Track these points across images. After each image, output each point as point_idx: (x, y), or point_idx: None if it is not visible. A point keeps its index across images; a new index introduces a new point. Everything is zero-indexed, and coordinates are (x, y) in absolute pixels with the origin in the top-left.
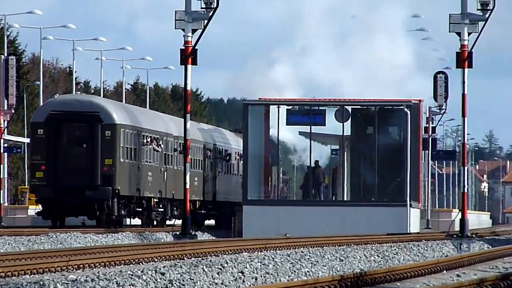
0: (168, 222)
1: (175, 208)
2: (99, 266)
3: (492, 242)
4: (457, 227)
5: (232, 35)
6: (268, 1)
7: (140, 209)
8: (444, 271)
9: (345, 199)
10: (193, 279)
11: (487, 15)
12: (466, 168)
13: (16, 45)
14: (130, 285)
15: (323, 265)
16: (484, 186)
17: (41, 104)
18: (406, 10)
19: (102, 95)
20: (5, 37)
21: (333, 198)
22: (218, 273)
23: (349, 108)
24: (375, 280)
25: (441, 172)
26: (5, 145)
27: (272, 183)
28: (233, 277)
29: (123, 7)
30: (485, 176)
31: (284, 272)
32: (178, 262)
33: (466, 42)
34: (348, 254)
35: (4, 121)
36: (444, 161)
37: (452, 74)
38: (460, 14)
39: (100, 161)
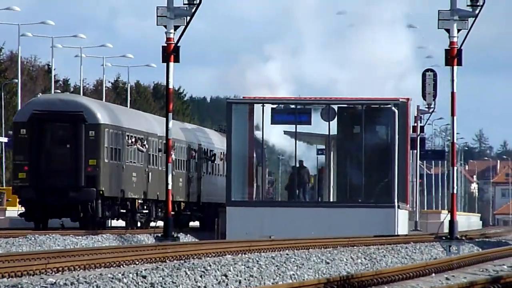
0: (152, 224)
1: (159, 210)
2: (78, 269)
3: (482, 245)
4: (446, 229)
5: (215, 31)
6: None
7: (125, 211)
8: (433, 274)
9: (331, 200)
10: (175, 282)
11: (477, 11)
12: (455, 168)
13: None
14: None
15: (308, 268)
16: (474, 187)
17: (19, 102)
18: (401, 4)
19: (82, 93)
20: None
21: (319, 199)
22: (201, 276)
23: (335, 107)
24: (362, 283)
25: (429, 173)
26: None
27: (257, 184)
28: (217, 280)
29: (103, 3)
30: (475, 176)
31: (269, 275)
32: (160, 265)
33: (455, 39)
34: (334, 257)
35: None
36: (433, 161)
37: (441, 72)
38: (449, 10)
39: (84, 162)
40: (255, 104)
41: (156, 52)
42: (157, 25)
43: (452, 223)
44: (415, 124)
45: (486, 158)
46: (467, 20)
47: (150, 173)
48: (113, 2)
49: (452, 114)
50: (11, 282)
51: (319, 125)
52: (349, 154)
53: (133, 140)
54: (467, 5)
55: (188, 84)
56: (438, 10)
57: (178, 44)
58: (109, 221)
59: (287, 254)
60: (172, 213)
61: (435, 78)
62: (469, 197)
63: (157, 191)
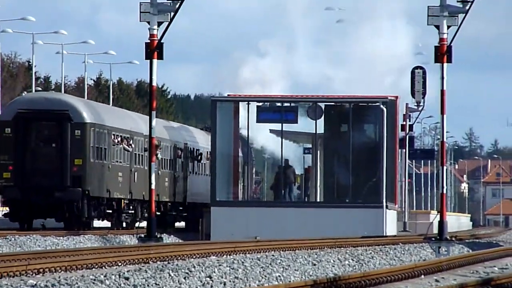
0: (137, 224)
1: (145, 210)
2: (60, 271)
3: (473, 246)
4: (435, 230)
5: (200, 28)
6: None
7: (111, 211)
8: (422, 276)
9: (318, 200)
10: (158, 284)
11: (467, 7)
12: (445, 167)
13: None
14: None
15: (295, 270)
16: (464, 187)
17: None
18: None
19: (63, 90)
20: None
21: (306, 199)
22: (185, 278)
23: (322, 104)
24: (349, 285)
25: (419, 172)
26: None
27: (244, 184)
28: (201, 282)
29: None
30: (465, 176)
31: (254, 277)
32: (142, 266)
33: (445, 36)
34: (321, 258)
35: None
36: (422, 161)
37: (430, 69)
38: (439, 6)
39: (69, 161)
40: (240, 102)
41: (139, 48)
42: (140, 21)
43: (441, 223)
44: (404, 123)
45: (476, 157)
46: (457, 16)
47: (136, 173)
48: None
49: (442, 112)
50: None
51: (306, 124)
52: (337, 153)
53: (119, 139)
54: (457, 1)
55: (171, 81)
56: (428, 6)
57: (162, 41)
58: (92, 221)
59: (273, 255)
60: (158, 213)
61: (424, 75)
62: (459, 197)
63: (142, 191)
